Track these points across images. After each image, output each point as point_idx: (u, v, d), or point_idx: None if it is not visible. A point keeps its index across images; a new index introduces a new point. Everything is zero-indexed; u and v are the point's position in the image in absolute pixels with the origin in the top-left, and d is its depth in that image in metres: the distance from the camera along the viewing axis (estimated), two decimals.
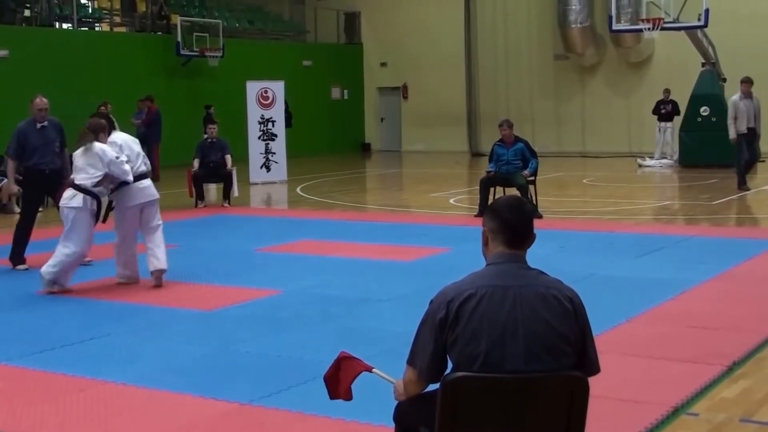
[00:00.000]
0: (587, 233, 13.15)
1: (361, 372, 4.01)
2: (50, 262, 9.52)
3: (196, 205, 17.11)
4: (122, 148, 9.79)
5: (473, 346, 3.37)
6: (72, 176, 9.67)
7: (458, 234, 12.95)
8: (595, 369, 3.55)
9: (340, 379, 4.02)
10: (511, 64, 32.21)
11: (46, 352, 7.27)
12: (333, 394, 4.06)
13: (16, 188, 12.02)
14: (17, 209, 17.29)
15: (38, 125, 11.07)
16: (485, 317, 3.38)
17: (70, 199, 9.55)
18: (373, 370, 3.98)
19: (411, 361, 3.57)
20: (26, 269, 10.92)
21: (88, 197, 9.53)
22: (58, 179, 10.84)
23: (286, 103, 23.36)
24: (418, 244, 12.41)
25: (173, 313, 8.67)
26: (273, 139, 22.66)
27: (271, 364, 6.84)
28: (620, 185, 20.66)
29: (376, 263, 11.10)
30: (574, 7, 29.76)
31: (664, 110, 25.49)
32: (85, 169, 9.51)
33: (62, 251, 9.53)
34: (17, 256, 11.13)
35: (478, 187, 15.01)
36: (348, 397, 4.02)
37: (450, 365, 3.49)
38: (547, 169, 17.96)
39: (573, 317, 3.45)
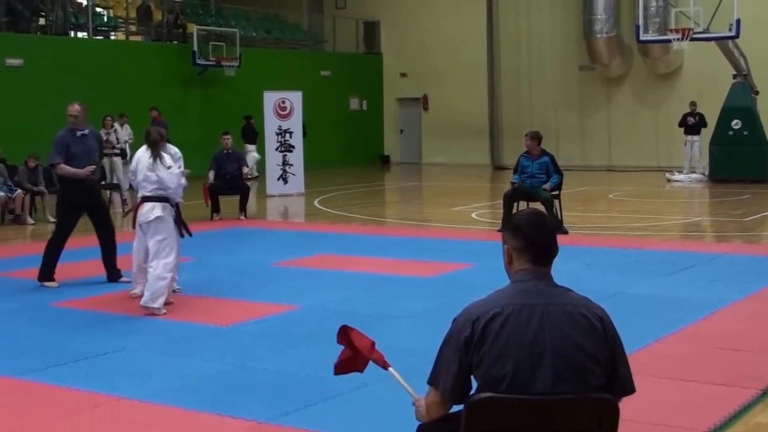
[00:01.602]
0: (614, 250, 13.09)
1: (369, 360, 3.97)
2: (147, 293, 9.27)
3: (211, 218, 17.14)
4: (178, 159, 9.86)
5: (500, 367, 3.35)
6: (155, 190, 9.49)
7: (481, 249, 12.92)
8: (627, 389, 3.51)
9: (359, 353, 3.99)
10: (535, 75, 32.18)
11: (60, 367, 7.29)
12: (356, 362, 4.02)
13: (84, 172, 10.80)
14: (30, 220, 17.41)
15: (78, 133, 10.81)
16: (512, 337, 3.36)
17: (153, 210, 9.48)
18: (390, 368, 3.95)
19: (433, 382, 3.54)
20: (55, 286, 10.73)
21: (172, 208, 9.56)
22: (96, 190, 10.78)
23: None
24: (439, 260, 12.39)
25: (188, 328, 8.68)
26: (290, 151, 22.71)
27: (289, 382, 6.83)
28: (648, 200, 20.58)
29: (395, 279, 11.08)
30: (599, 16, 29.71)
31: (691, 123, 25.40)
32: (161, 180, 9.49)
33: (158, 271, 9.32)
34: (47, 271, 10.90)
35: (500, 201, 14.98)
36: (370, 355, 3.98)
37: (474, 386, 3.47)
38: (571, 184, 17.93)
39: (602, 336, 3.43)
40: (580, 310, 3.44)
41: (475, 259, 12.09)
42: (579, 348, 3.36)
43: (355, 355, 3.98)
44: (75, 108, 10.87)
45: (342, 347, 4.12)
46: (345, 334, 4.01)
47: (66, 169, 10.71)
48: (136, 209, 9.60)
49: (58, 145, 10.76)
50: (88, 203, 10.91)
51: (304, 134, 23.82)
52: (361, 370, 4.03)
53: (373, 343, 4.00)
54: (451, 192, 23.66)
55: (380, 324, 8.67)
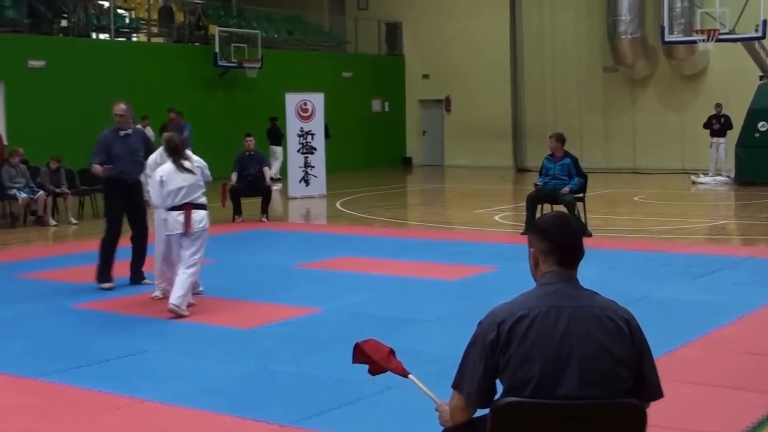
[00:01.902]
0: (639, 253, 13.04)
1: (390, 369, 3.96)
2: (177, 293, 9.24)
3: (233, 219, 17.17)
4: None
5: (525, 370, 3.33)
6: (189, 197, 9.45)
7: (504, 252, 12.90)
8: (656, 394, 3.49)
9: (378, 365, 3.97)
10: (559, 76, 32.09)
11: (83, 368, 7.32)
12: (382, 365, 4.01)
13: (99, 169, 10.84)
14: (52, 222, 17.49)
15: (121, 133, 10.83)
16: (538, 339, 3.34)
17: (202, 221, 9.48)
18: (410, 376, 3.94)
19: (458, 386, 3.53)
20: (111, 287, 10.70)
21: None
22: (139, 190, 10.74)
23: None
24: (462, 263, 12.37)
25: (210, 330, 8.70)
26: (312, 153, 22.73)
27: (311, 385, 6.83)
28: (673, 203, 20.49)
29: (418, 282, 11.07)
30: (624, 17, 29.59)
31: (717, 125, 25.27)
32: (198, 185, 9.53)
33: (189, 273, 9.35)
34: (104, 272, 10.84)
35: (524, 204, 14.94)
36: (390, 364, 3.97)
37: (499, 389, 3.45)
38: (596, 186, 17.87)
39: (629, 340, 3.40)
40: (607, 313, 3.42)
41: (499, 262, 12.07)
42: (606, 351, 3.34)
43: (374, 367, 3.97)
44: (120, 107, 10.88)
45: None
46: (359, 351, 3.99)
47: (95, 168, 10.75)
48: (189, 216, 9.40)
49: (99, 146, 10.78)
50: (129, 202, 10.85)
51: (327, 136, 23.86)
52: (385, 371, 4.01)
53: (391, 351, 3.98)
54: (473, 194, 23.63)
55: (403, 327, 8.67)
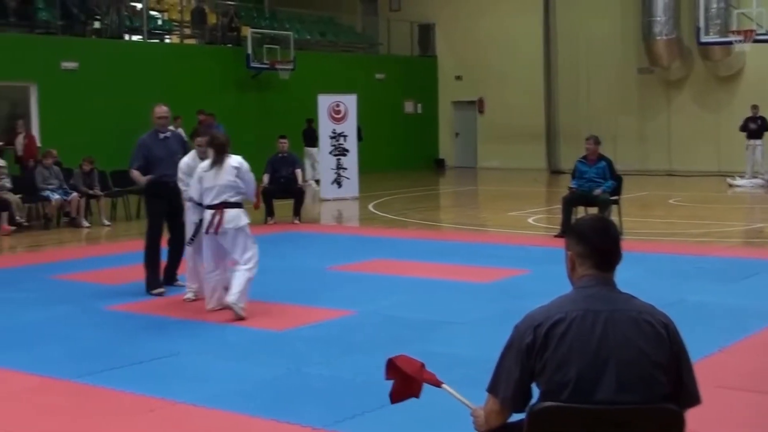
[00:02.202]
0: (674, 256, 12.96)
1: (423, 381, 3.96)
2: (234, 290, 9.23)
3: (266, 221, 17.21)
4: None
5: (562, 374, 3.32)
6: (220, 196, 9.42)
7: (538, 255, 12.85)
8: (693, 400, 3.46)
9: (411, 378, 3.97)
10: (593, 78, 31.95)
11: (116, 370, 7.36)
12: (411, 390, 4.00)
13: (143, 179, 10.82)
14: (85, 223, 17.62)
15: (161, 136, 10.82)
16: (575, 343, 3.33)
17: (232, 220, 9.44)
18: (443, 385, 3.94)
19: (493, 390, 3.52)
20: (162, 293, 10.62)
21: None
22: (179, 193, 10.56)
23: None
24: (495, 265, 12.33)
25: (243, 332, 8.73)
26: (345, 155, 22.76)
27: (344, 388, 6.84)
28: (709, 206, 20.34)
29: (451, 284, 11.06)
30: (659, 18, 29.43)
31: (753, 127, 25.07)
32: (232, 186, 9.49)
33: (244, 271, 9.36)
34: (154, 279, 10.74)
35: (558, 206, 14.90)
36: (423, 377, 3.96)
37: (535, 393, 3.44)
38: (630, 189, 17.77)
39: (667, 344, 3.38)
40: (645, 317, 3.40)
41: (532, 265, 12.03)
42: (644, 356, 3.32)
43: (407, 382, 3.96)
44: (163, 110, 10.89)
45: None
46: (392, 366, 3.98)
47: (133, 173, 10.77)
48: (221, 215, 9.40)
49: (139, 150, 10.76)
50: (170, 205, 10.74)
51: (360, 138, 23.89)
52: (417, 395, 4.00)
53: (423, 365, 3.97)
54: (507, 196, 23.58)
55: (436, 330, 8.66)
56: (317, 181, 24.24)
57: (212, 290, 9.64)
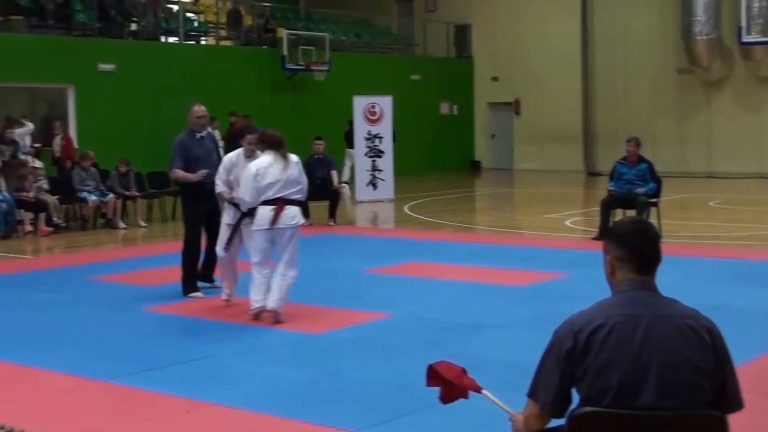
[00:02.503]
0: (714, 260, 12.86)
1: (463, 387, 3.96)
2: (276, 296, 9.16)
3: None
4: None
5: (603, 380, 3.30)
6: (283, 191, 9.20)
7: (575, 258, 12.81)
8: (736, 405, 3.43)
9: (452, 384, 3.97)
10: (631, 78, 31.78)
11: (153, 372, 7.42)
12: (456, 393, 4.00)
13: (194, 176, 10.68)
14: (122, 225, 17.75)
15: (197, 136, 10.79)
16: (616, 349, 3.31)
17: (294, 218, 9.30)
18: (483, 391, 3.94)
19: (533, 395, 3.51)
20: (198, 296, 10.58)
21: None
22: (214, 193, 10.41)
23: None
24: (532, 268, 12.30)
25: (279, 334, 8.76)
26: (380, 156, 22.78)
27: (380, 392, 6.84)
28: (749, 208, 20.18)
29: (487, 287, 11.03)
30: (699, 18, 29.21)
31: None
32: (298, 181, 9.37)
33: (288, 277, 9.29)
34: (191, 283, 10.73)
35: (595, 208, 14.84)
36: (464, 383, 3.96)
37: (574, 398, 3.44)
38: (669, 191, 17.65)
39: (711, 349, 3.35)
40: (688, 322, 3.38)
41: (570, 268, 11.99)
42: (687, 361, 3.30)
43: (450, 387, 3.97)
44: (202, 109, 10.87)
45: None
46: (433, 372, 3.99)
47: (178, 173, 10.71)
48: (279, 211, 9.14)
49: (178, 150, 10.69)
50: (206, 207, 10.66)
51: (394, 140, 23.88)
52: (465, 396, 4.00)
53: (463, 370, 3.98)
54: (543, 199, 23.50)
55: (473, 334, 8.66)
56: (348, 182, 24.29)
57: (260, 290, 9.28)
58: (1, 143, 18.30)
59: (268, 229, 9.14)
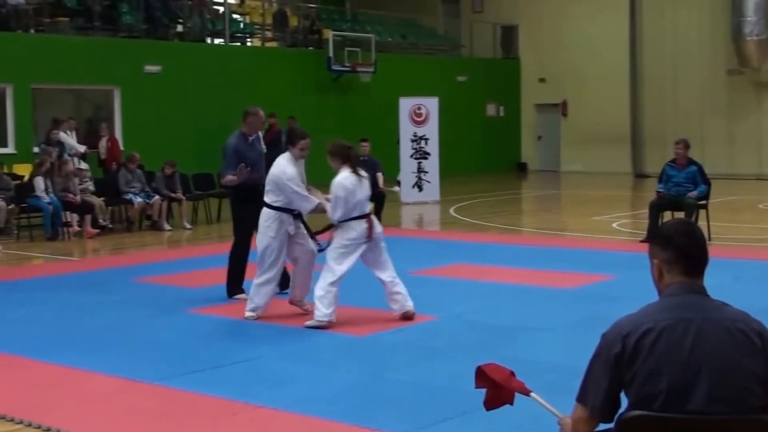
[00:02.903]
0: (764, 263, 12.74)
1: (512, 389, 3.94)
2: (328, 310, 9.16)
3: None
4: None
5: (652, 385, 3.27)
6: (367, 205, 9.43)
7: (623, 260, 12.71)
8: None
9: (500, 386, 3.96)
10: (680, 79, 31.52)
11: (198, 374, 7.44)
12: (503, 398, 3.98)
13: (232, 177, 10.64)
14: (167, 226, 17.86)
15: (249, 139, 10.73)
16: (665, 354, 3.28)
17: (379, 226, 9.51)
18: (531, 394, 3.92)
19: (581, 399, 3.49)
20: (244, 298, 10.26)
21: None
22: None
23: None
24: (579, 270, 12.24)
25: (324, 336, 8.76)
26: (426, 158, 22.76)
27: (426, 395, 6.83)
28: None
29: (534, 290, 10.99)
30: (749, 18, 28.94)
31: None
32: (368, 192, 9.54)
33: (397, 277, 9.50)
34: (234, 284, 10.69)
35: (644, 211, 14.73)
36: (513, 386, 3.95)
37: (623, 402, 3.40)
38: (718, 193, 17.48)
39: (762, 354, 3.31)
40: (739, 326, 3.33)
41: (617, 271, 11.90)
42: (738, 366, 3.26)
43: (498, 389, 3.95)
44: (261, 111, 10.86)
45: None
46: (481, 374, 3.97)
47: (227, 178, 10.67)
48: (371, 223, 9.29)
49: (232, 156, 10.55)
50: (257, 210, 10.14)
51: None
52: (510, 402, 3.99)
53: (512, 372, 3.96)
54: (590, 201, 23.37)
55: (519, 336, 8.62)
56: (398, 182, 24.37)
57: (334, 303, 9.23)
58: (47, 145, 18.49)
59: (365, 242, 9.26)
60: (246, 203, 10.47)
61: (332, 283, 9.13)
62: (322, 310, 9.07)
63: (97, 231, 17.08)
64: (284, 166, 9.57)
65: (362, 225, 9.21)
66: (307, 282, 9.84)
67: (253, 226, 10.32)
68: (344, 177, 9.23)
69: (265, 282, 9.61)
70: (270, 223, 9.62)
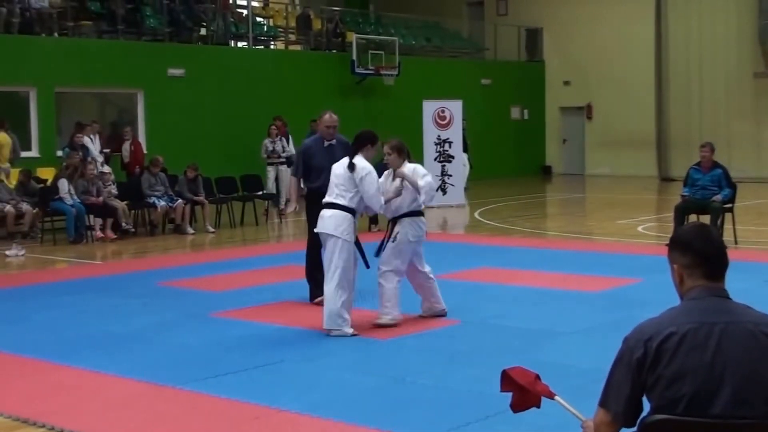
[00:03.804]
0: None
1: (537, 393, 3.94)
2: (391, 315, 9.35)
3: (369, 229, 17.28)
4: None
5: (675, 389, 3.26)
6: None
7: (649, 264, 12.65)
8: None
9: (525, 390, 3.96)
10: (706, 82, 31.37)
11: (220, 377, 7.47)
12: (529, 401, 3.98)
13: (293, 206, 10.93)
14: (190, 230, 17.92)
15: (325, 143, 10.69)
16: (688, 358, 3.26)
17: None
18: (556, 397, 3.92)
19: (604, 403, 3.48)
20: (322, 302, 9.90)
21: None
22: None
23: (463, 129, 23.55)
24: (604, 274, 12.21)
25: (347, 340, 8.76)
26: (449, 161, 22.74)
27: (449, 399, 6.82)
28: None
29: (558, 293, 10.97)
30: None
31: None
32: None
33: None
34: (314, 290, 10.44)
35: (669, 214, 14.68)
36: (540, 391, 3.94)
37: (646, 407, 3.39)
38: (745, 196, 17.41)
39: None
40: (762, 329, 3.32)
41: (643, 274, 11.86)
42: (762, 369, 3.24)
43: (523, 393, 3.95)
44: (334, 118, 10.83)
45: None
46: (507, 377, 3.97)
47: (292, 182, 10.94)
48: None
49: (300, 157, 10.71)
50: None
51: (465, 150, 23.94)
52: (537, 405, 3.98)
53: (537, 376, 3.96)
54: (616, 204, 23.29)
55: (543, 340, 8.60)
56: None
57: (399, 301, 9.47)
58: (71, 149, 18.59)
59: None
60: (315, 206, 9.99)
61: (399, 282, 9.44)
62: (393, 312, 9.33)
63: (115, 236, 17.08)
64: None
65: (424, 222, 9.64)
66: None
67: None
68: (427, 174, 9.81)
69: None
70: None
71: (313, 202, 10.20)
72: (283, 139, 22.15)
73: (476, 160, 27.94)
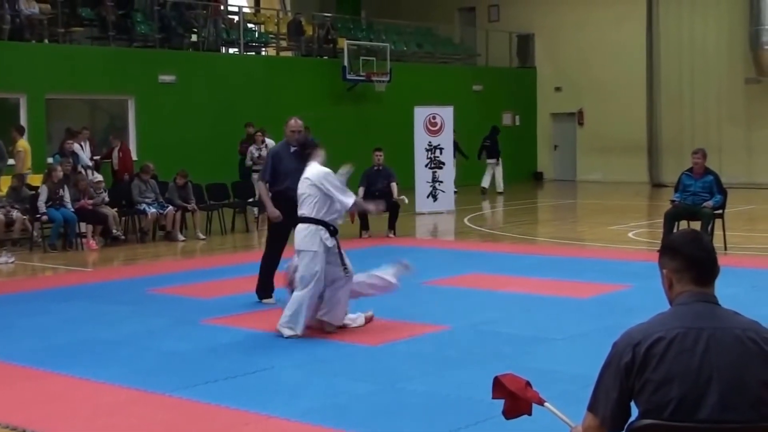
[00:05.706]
0: None
1: (527, 399, 3.95)
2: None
3: (360, 235, 17.30)
4: None
5: (663, 394, 3.28)
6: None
7: (639, 270, 12.69)
8: None
9: (516, 396, 3.97)
10: (698, 88, 31.44)
11: (210, 384, 7.47)
12: (521, 408, 4.00)
13: (276, 212, 10.80)
14: (181, 237, 17.90)
15: (291, 149, 10.80)
16: (676, 362, 3.29)
17: None
18: (545, 404, 3.93)
19: (592, 408, 3.50)
20: (273, 304, 10.64)
21: None
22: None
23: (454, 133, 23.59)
24: (594, 280, 12.23)
25: (338, 346, 8.78)
26: (440, 167, 22.75)
27: (440, 404, 6.84)
28: None
29: (549, 299, 10.99)
30: (767, 27, 28.86)
31: None
32: None
33: None
34: (264, 288, 11.00)
35: (660, 220, 14.70)
36: (531, 398, 3.96)
37: (633, 411, 3.41)
38: (736, 202, 17.46)
39: None
40: (749, 335, 3.34)
41: (633, 280, 11.89)
42: (749, 374, 3.27)
43: (514, 400, 3.97)
44: (299, 123, 10.94)
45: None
46: (498, 384, 3.99)
47: (261, 188, 11.21)
48: None
49: (268, 161, 11.04)
50: (290, 220, 10.10)
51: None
52: (528, 413, 4.00)
53: (528, 383, 3.98)
54: (607, 210, 23.32)
55: (535, 346, 8.62)
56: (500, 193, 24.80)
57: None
58: (62, 155, 18.57)
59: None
60: (280, 210, 10.85)
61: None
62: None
63: (100, 245, 17.05)
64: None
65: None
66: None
67: (287, 233, 10.74)
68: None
69: None
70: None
71: (279, 203, 10.74)
72: (269, 145, 22.03)
73: (466, 166, 28.06)
